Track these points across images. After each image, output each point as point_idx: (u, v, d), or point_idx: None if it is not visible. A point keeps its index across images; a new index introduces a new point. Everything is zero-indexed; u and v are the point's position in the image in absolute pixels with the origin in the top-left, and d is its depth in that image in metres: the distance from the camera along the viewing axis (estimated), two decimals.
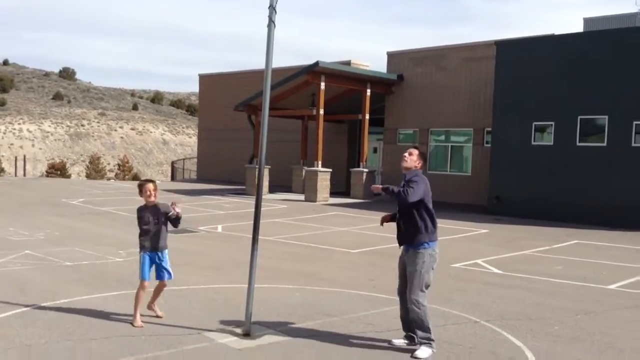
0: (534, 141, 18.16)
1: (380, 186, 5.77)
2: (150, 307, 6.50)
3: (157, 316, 6.44)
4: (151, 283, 6.43)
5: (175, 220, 6.37)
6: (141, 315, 6.25)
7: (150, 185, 6.31)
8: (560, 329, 6.57)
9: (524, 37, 20.76)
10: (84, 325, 6.09)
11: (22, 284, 7.95)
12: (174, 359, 5.25)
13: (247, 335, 5.89)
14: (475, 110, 21.95)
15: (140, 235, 6.41)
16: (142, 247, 6.39)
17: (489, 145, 20.20)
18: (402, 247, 5.76)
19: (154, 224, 6.34)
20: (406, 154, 5.70)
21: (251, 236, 6.12)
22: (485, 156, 21.04)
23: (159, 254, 6.40)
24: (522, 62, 18.45)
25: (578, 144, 17.29)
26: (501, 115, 18.86)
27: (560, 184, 17.38)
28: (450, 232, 14.55)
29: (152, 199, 6.35)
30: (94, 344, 5.53)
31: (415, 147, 5.82)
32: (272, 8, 5.71)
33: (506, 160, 18.68)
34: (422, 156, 5.76)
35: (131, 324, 6.16)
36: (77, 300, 7.12)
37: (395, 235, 5.78)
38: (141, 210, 6.43)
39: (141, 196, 6.44)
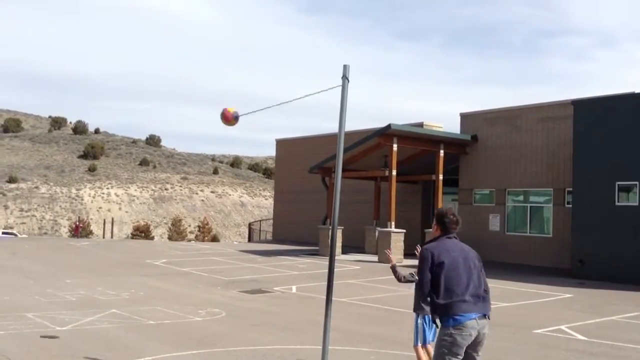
0: (618, 201, 17.41)
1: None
2: None
3: None
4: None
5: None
6: None
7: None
8: None
9: (602, 95, 20.28)
10: None
11: (109, 342, 8.36)
12: None
13: None
14: (554, 169, 21.38)
15: None
16: None
17: (570, 205, 19.52)
18: None
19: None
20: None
21: (325, 297, 6.23)
22: (567, 217, 20.28)
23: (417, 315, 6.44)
24: (602, 121, 17.97)
25: None
26: (582, 175, 18.28)
27: None
28: (532, 296, 14.00)
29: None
30: None
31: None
32: (344, 78, 6.02)
33: (589, 222, 17.92)
34: (438, 218, 4.72)
35: None
36: (160, 358, 7.41)
37: None
38: None
39: None
